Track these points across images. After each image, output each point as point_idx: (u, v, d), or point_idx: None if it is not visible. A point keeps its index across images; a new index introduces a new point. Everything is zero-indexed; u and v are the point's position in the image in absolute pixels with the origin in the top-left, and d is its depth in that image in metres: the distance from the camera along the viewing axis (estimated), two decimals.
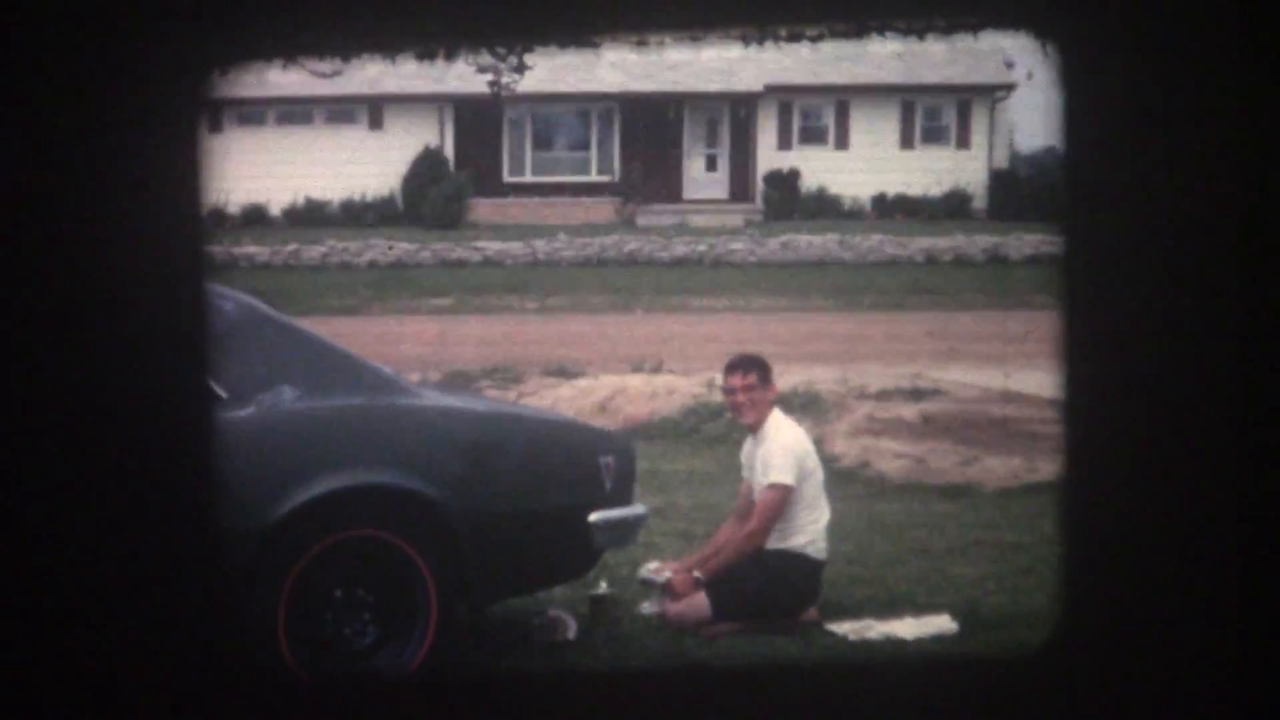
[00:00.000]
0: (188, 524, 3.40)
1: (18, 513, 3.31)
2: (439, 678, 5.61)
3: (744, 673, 4.77)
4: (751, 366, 8.87)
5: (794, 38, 10.10)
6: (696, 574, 8.62)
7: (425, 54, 10.38)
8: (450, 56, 10.43)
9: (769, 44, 10.37)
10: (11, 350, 3.26)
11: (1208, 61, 3.25)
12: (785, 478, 8.60)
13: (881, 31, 8.26)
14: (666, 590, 8.59)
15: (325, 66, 13.14)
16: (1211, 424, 3.33)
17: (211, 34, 3.27)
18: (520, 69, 12.33)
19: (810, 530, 8.69)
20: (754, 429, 8.83)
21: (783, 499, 8.59)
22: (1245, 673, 3.36)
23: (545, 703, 3.69)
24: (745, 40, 10.06)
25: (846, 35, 9.00)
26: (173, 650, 3.41)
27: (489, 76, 12.55)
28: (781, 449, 8.68)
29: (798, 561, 8.64)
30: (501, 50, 11.73)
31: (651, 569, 8.84)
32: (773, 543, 8.65)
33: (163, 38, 3.23)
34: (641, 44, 9.58)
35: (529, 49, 12.03)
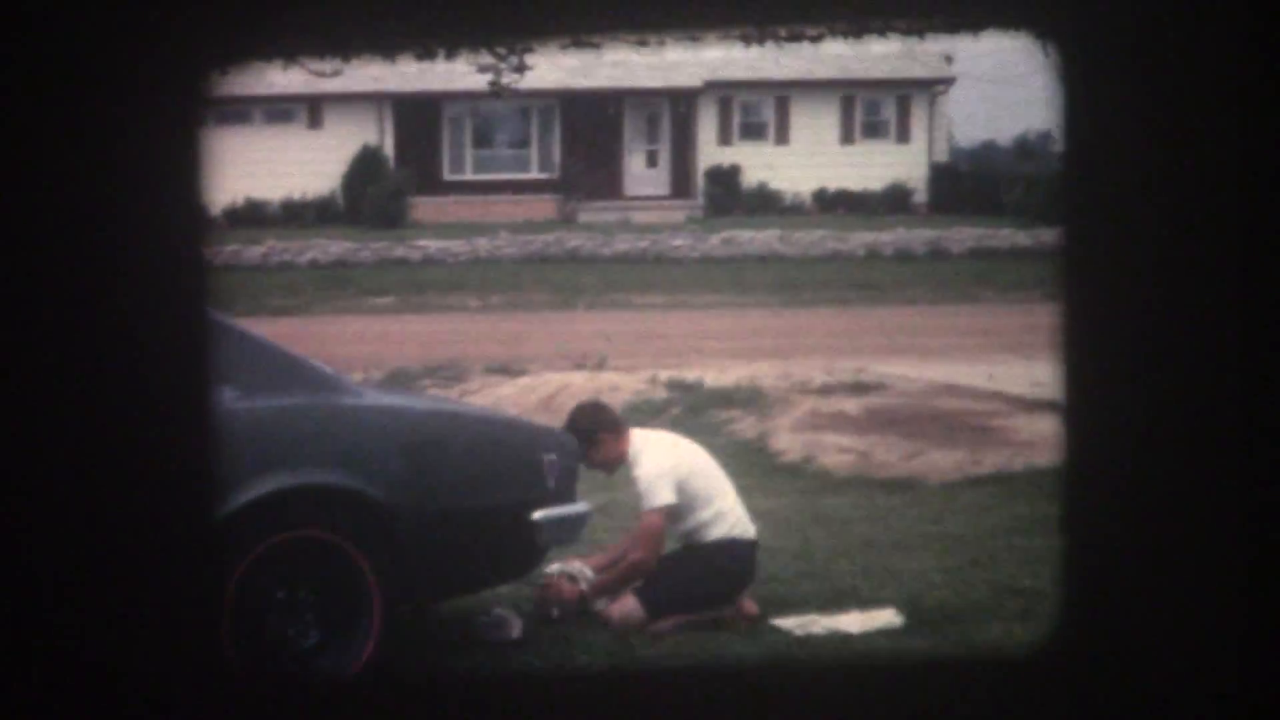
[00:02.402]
0: (188, 522, 3.37)
1: (17, 514, 3.27)
2: (435, 679, 5.57)
3: (738, 673, 4.75)
4: (574, 440, 8.62)
5: (794, 38, 10.09)
6: (582, 586, 8.60)
7: (425, 54, 10.33)
8: (451, 56, 10.38)
9: (768, 45, 10.35)
10: (8, 349, 3.23)
11: (1208, 61, 3.25)
12: (658, 499, 8.55)
13: (882, 32, 8.26)
14: (546, 590, 8.56)
15: (325, 66, 13.07)
16: (1212, 423, 3.32)
17: (211, 34, 3.24)
18: (520, 69, 12.29)
19: (721, 519, 8.67)
20: (621, 465, 8.81)
21: (661, 522, 8.57)
22: (1247, 672, 3.36)
23: (519, 705, 3.67)
24: (746, 41, 10.04)
25: (847, 35, 8.98)
26: (170, 650, 3.38)
27: (489, 76, 12.50)
28: (646, 476, 8.62)
29: (726, 547, 8.63)
30: (502, 50, 11.67)
31: (555, 569, 8.71)
32: (694, 541, 8.66)
33: (162, 38, 3.21)
34: (642, 44, 9.55)
35: (529, 49, 11.98)
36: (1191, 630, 3.38)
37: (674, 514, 8.62)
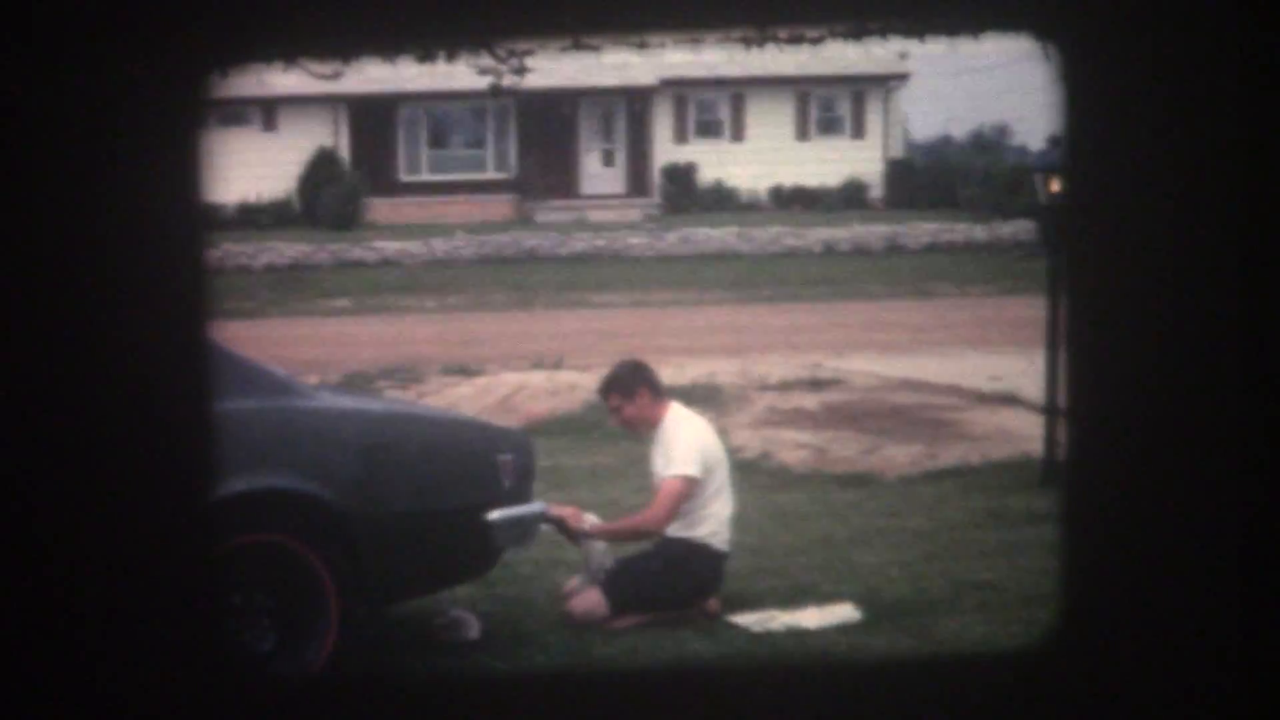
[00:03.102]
0: (186, 522, 3.37)
1: (16, 519, 3.26)
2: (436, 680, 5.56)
3: (737, 672, 4.75)
4: (609, 387, 8.87)
5: (794, 39, 10.09)
6: (590, 516, 8.64)
7: (426, 55, 10.30)
8: (451, 58, 10.35)
9: (769, 45, 10.35)
10: (6, 350, 3.22)
11: (1208, 61, 3.25)
12: (688, 469, 8.57)
13: (882, 33, 8.28)
14: (559, 526, 8.55)
15: (326, 67, 13.02)
16: (1213, 421, 3.33)
17: (211, 35, 3.23)
18: (521, 70, 12.26)
19: (714, 521, 8.68)
20: (650, 432, 8.82)
21: (684, 490, 8.56)
22: (1247, 671, 3.36)
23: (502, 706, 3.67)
24: (746, 43, 10.04)
25: (846, 36, 9.00)
26: (167, 650, 3.37)
27: (489, 78, 12.47)
28: (683, 442, 8.66)
29: (700, 550, 8.63)
30: (502, 52, 11.64)
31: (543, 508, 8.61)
32: (676, 531, 8.63)
33: (162, 38, 3.19)
34: (643, 45, 9.55)
35: (530, 51, 11.94)
36: (1193, 628, 3.38)
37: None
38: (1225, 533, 3.34)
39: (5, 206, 3.20)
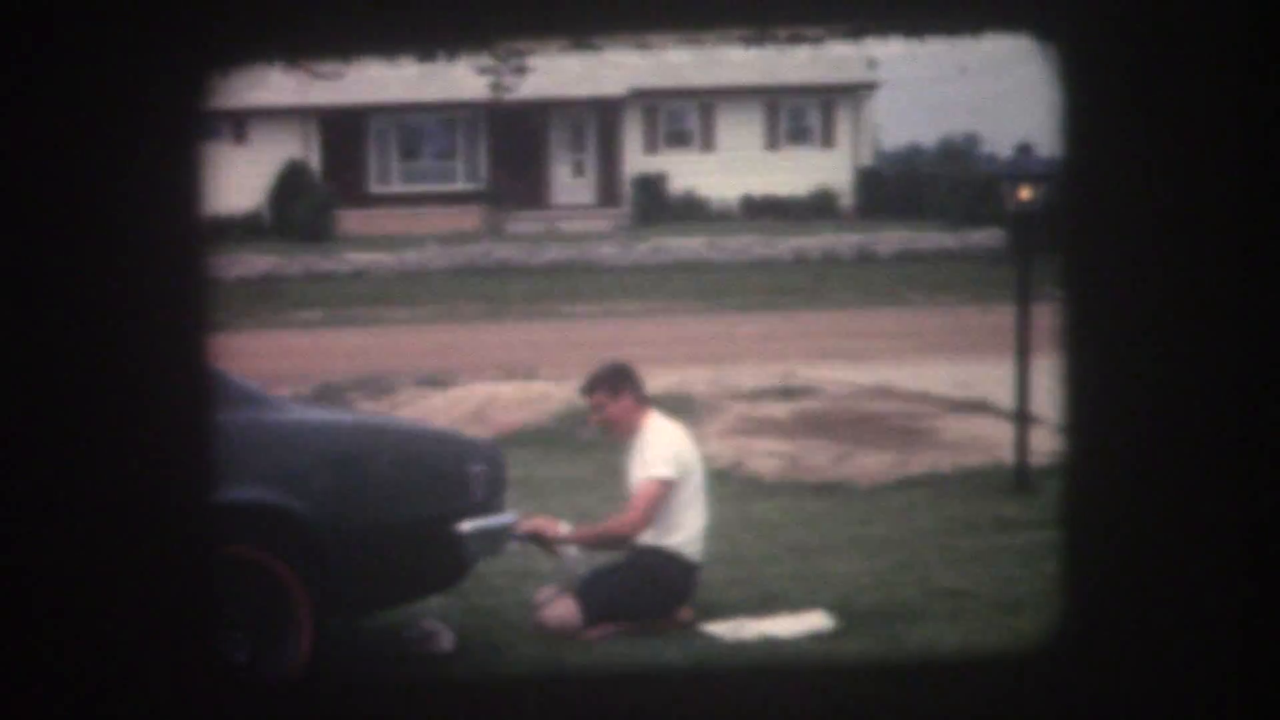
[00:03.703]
0: (185, 541, 3.36)
1: (16, 523, 3.26)
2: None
3: (740, 673, 4.73)
4: (595, 384, 8.84)
5: (794, 39, 10.11)
6: (563, 524, 8.64)
7: (426, 55, 10.31)
8: (451, 57, 10.37)
9: (768, 46, 10.35)
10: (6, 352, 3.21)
11: (1209, 61, 3.26)
12: (663, 471, 8.56)
13: (882, 34, 8.30)
14: (532, 538, 8.53)
15: (326, 69, 13.03)
16: (1214, 423, 3.33)
17: (209, 35, 3.23)
18: (521, 70, 12.27)
19: (687, 530, 8.66)
20: (628, 438, 8.80)
21: (659, 492, 8.54)
22: (1250, 675, 3.37)
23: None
24: (745, 43, 10.05)
25: (846, 36, 9.03)
26: (164, 653, 3.37)
27: (489, 78, 12.48)
28: (659, 445, 8.64)
29: (673, 560, 8.62)
30: (502, 53, 11.64)
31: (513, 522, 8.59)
32: (649, 539, 8.61)
33: (160, 39, 3.19)
34: (644, 45, 9.55)
35: (530, 51, 11.95)
36: (1196, 631, 3.39)
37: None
38: (1227, 534, 3.34)
39: (5, 208, 3.19)
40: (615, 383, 8.77)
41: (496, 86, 12.70)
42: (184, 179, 3.26)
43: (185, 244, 3.31)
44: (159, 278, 3.29)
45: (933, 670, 3.78)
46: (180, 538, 3.37)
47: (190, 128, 3.27)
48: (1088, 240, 3.40)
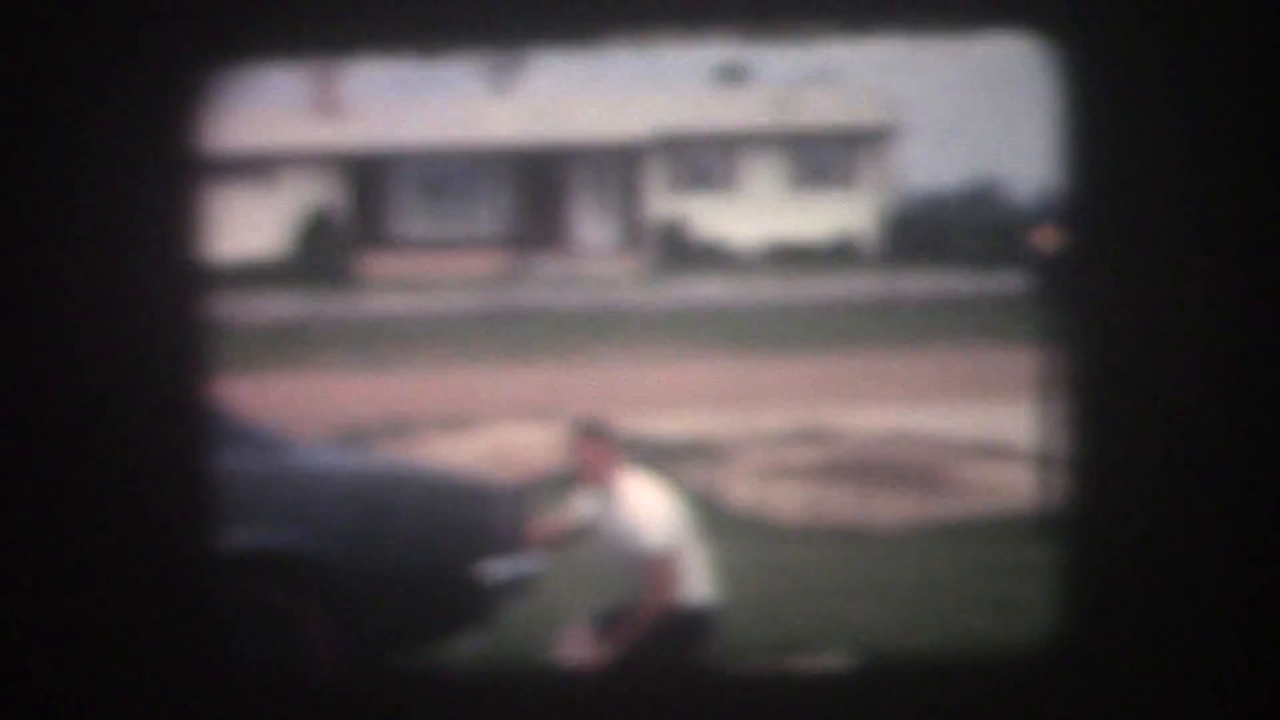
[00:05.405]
0: (181, 564, 3.38)
1: (15, 534, 3.28)
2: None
3: (732, 678, 4.73)
4: (586, 431, 8.80)
5: (793, 39, 10.16)
6: (570, 509, 8.69)
7: (426, 55, 10.40)
8: (452, 57, 10.46)
9: (768, 45, 10.43)
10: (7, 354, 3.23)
11: (1208, 61, 3.26)
12: (668, 539, 8.52)
13: (882, 34, 8.33)
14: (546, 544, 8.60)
15: (322, 122, 13.13)
16: (1216, 426, 3.33)
17: (212, 33, 3.25)
18: (522, 70, 12.37)
19: (692, 575, 8.64)
20: (601, 485, 8.79)
21: (674, 558, 8.52)
22: (1251, 676, 3.37)
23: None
24: (745, 42, 10.12)
25: (846, 37, 9.04)
26: (163, 658, 3.38)
27: (489, 79, 12.58)
28: (647, 513, 8.59)
29: (691, 618, 8.59)
30: (501, 55, 11.73)
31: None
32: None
33: (160, 39, 3.21)
34: (643, 46, 9.64)
35: (530, 52, 12.05)
36: (1199, 637, 3.39)
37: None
38: (1227, 537, 3.34)
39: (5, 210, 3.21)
40: (601, 432, 8.82)
41: (496, 86, 12.78)
42: (181, 180, 3.27)
43: (179, 283, 3.31)
44: (156, 291, 3.29)
45: (933, 671, 3.78)
46: (174, 578, 3.38)
47: (190, 127, 3.28)
48: (1088, 240, 3.41)
